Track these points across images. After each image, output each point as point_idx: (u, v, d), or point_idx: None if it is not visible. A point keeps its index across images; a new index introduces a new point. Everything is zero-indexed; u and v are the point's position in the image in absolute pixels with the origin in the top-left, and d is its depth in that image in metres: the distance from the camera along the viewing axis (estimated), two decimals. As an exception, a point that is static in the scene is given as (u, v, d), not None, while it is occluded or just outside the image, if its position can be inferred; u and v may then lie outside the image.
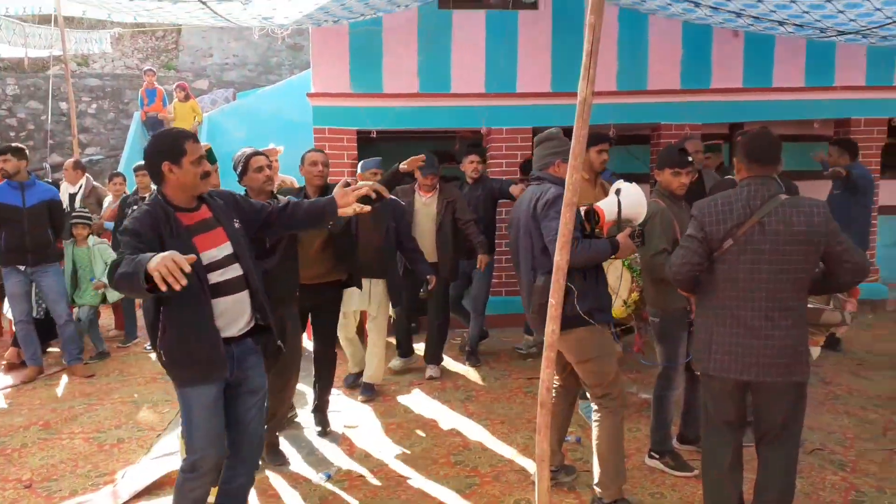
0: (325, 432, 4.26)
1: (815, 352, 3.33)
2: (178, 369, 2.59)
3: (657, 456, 3.64)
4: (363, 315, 5.21)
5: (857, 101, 7.01)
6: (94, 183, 7.59)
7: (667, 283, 3.12)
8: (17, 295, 5.47)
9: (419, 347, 5.72)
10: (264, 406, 2.91)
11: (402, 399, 4.90)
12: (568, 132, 3.02)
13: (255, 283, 2.72)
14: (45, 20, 11.91)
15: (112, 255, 5.96)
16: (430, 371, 5.36)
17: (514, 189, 5.36)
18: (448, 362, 5.69)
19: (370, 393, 4.88)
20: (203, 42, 15.36)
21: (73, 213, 6.09)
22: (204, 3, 5.59)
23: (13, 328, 5.87)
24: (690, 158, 3.71)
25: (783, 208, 2.59)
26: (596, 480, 3.15)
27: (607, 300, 3.23)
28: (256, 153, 3.69)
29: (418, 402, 4.84)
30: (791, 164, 6.82)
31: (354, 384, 5.07)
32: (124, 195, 6.75)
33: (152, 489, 3.53)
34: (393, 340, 5.58)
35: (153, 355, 6.04)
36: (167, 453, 3.93)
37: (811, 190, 5.85)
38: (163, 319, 2.53)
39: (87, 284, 5.95)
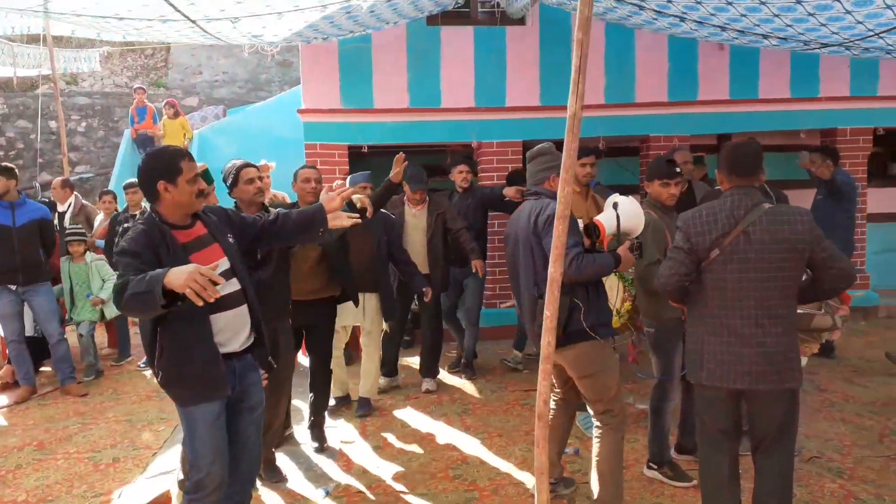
0: (322, 448, 4.25)
1: (803, 360, 3.36)
2: (178, 389, 2.56)
3: (655, 466, 3.65)
4: (354, 330, 5.21)
5: (842, 111, 7.13)
6: (83, 201, 7.57)
7: (660, 294, 3.15)
8: (8, 315, 5.44)
9: (413, 361, 5.72)
10: (262, 422, 2.91)
11: (399, 413, 4.89)
12: (558, 145, 3.07)
13: (252, 297, 2.73)
14: (33, 39, 11.91)
15: (109, 272, 5.93)
16: (427, 384, 5.36)
17: (508, 191, 5.39)
18: (444, 375, 5.69)
19: (367, 408, 4.87)
20: (192, 59, 15.40)
21: (68, 230, 6.07)
22: (194, 22, 5.62)
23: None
24: (679, 169, 3.75)
25: (767, 217, 2.63)
26: (595, 496, 3.15)
27: (609, 314, 3.25)
28: (247, 165, 3.68)
29: (415, 416, 4.83)
30: (778, 174, 6.94)
31: (337, 408, 4.89)
32: (115, 213, 6.74)
33: (149, 509, 3.51)
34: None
35: (147, 373, 6.03)
36: (163, 472, 3.91)
37: (798, 199, 5.94)
38: (160, 339, 2.50)
39: (85, 301, 5.92)
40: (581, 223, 3.16)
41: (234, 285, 2.65)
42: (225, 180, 3.72)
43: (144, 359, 6.25)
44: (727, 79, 7.03)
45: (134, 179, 6.65)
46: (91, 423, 4.86)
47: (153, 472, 3.95)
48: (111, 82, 15.54)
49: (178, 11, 5.15)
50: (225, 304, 2.58)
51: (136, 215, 6.28)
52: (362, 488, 3.72)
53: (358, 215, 3.62)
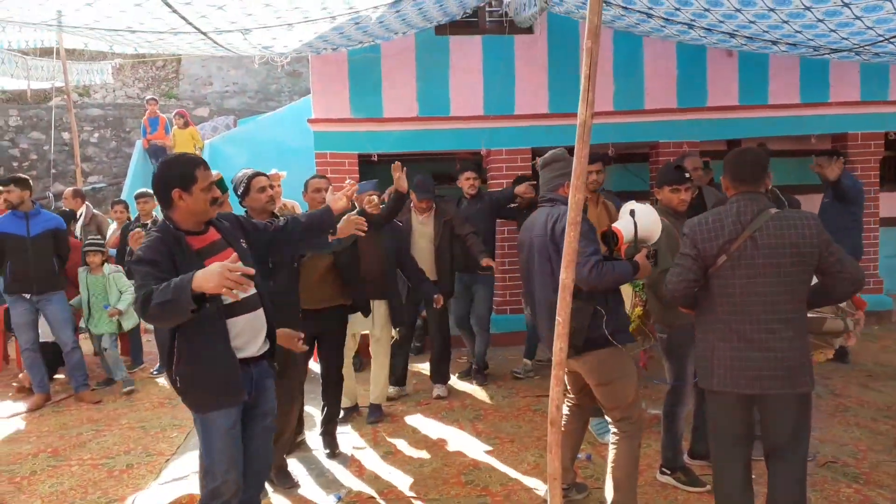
0: (333, 454, 4.26)
1: None
2: (195, 395, 2.56)
3: (669, 471, 3.64)
4: (364, 338, 5.22)
5: (852, 115, 7.11)
6: (94, 211, 7.65)
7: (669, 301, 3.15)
8: (23, 324, 5.50)
9: (424, 367, 5.73)
10: (273, 429, 2.92)
11: (410, 419, 4.90)
12: (569, 151, 3.08)
13: (267, 302, 2.74)
14: (46, 52, 12.09)
15: (126, 283, 5.90)
16: (438, 390, 5.36)
17: (520, 188, 5.41)
18: (454, 381, 5.70)
19: (378, 414, 4.88)
20: (203, 70, 15.55)
21: (87, 241, 6.07)
22: (205, 35, 5.69)
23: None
24: (688, 175, 3.75)
25: (774, 222, 2.62)
26: (609, 502, 3.14)
27: (626, 321, 3.25)
28: (258, 174, 3.72)
29: (426, 422, 4.84)
30: (789, 179, 6.92)
31: (347, 418, 4.88)
32: (126, 222, 6.80)
33: (163, 515, 3.53)
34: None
35: (160, 380, 6.07)
36: (177, 478, 3.93)
37: (810, 204, 5.94)
38: (177, 345, 2.49)
39: (101, 312, 5.87)
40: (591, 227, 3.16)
41: (249, 289, 2.64)
42: (236, 189, 3.75)
43: (157, 366, 6.31)
44: (736, 84, 7.03)
45: (145, 189, 6.73)
46: (105, 430, 4.90)
47: (167, 479, 3.97)
48: (123, 94, 15.71)
49: (190, 24, 5.23)
50: (241, 308, 2.60)
51: (147, 224, 6.34)
52: (374, 494, 3.72)
53: (366, 223, 3.67)
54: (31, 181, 5.69)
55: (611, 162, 7.05)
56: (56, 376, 6.25)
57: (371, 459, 4.21)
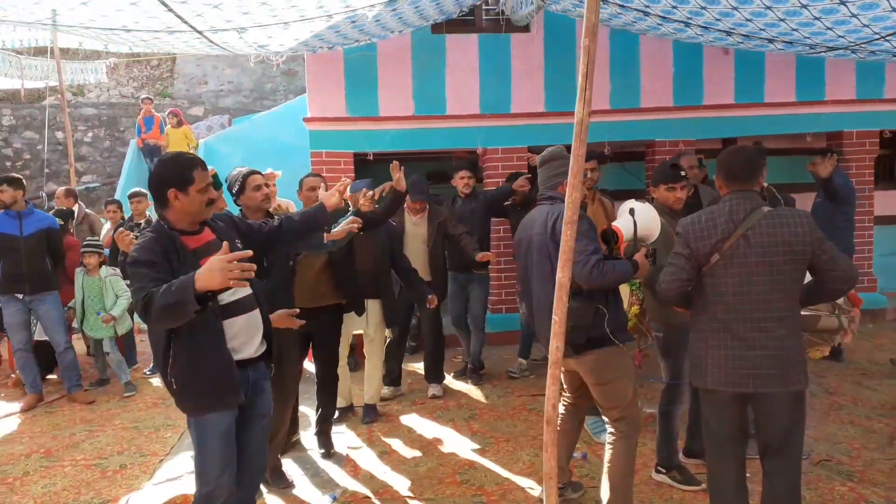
0: (328, 454, 4.24)
1: None
2: (190, 397, 2.51)
3: (664, 470, 3.63)
4: (358, 338, 5.21)
5: (848, 114, 7.12)
6: (87, 210, 7.62)
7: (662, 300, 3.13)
8: (15, 324, 5.46)
9: (419, 367, 5.71)
10: (268, 430, 2.89)
11: (405, 419, 4.88)
12: (566, 149, 3.07)
13: (263, 302, 2.72)
14: (41, 52, 12.05)
15: (123, 288, 5.80)
16: (433, 390, 5.35)
17: (518, 183, 5.38)
18: (450, 381, 5.68)
19: (373, 414, 4.87)
20: (198, 69, 15.50)
21: (84, 242, 6.00)
22: (200, 33, 5.67)
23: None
24: (684, 173, 3.74)
25: (766, 220, 2.62)
26: (605, 502, 3.12)
27: (626, 319, 3.24)
28: (253, 172, 3.70)
29: (421, 421, 4.82)
30: (784, 177, 6.93)
31: (342, 418, 4.85)
32: (120, 222, 6.77)
33: (156, 515, 3.50)
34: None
35: (153, 380, 6.04)
36: (171, 478, 3.90)
37: (805, 202, 5.93)
38: (174, 347, 2.45)
39: (96, 317, 5.77)
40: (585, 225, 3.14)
41: (245, 290, 2.62)
42: (230, 188, 3.72)
43: (151, 366, 6.28)
44: (732, 83, 7.03)
45: (138, 189, 6.70)
46: (98, 431, 4.87)
47: (160, 479, 3.94)
48: (117, 93, 15.65)
49: (186, 23, 5.20)
50: (237, 308, 2.57)
51: (140, 224, 6.30)
52: (369, 494, 3.70)
53: (361, 221, 3.67)
54: (24, 181, 5.64)
55: (607, 160, 7.04)
56: (49, 376, 6.21)
57: (366, 459, 4.19)
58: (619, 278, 3.00)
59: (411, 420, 4.86)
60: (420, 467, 4.03)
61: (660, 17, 5.30)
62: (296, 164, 6.98)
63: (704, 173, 6.01)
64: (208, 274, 2.17)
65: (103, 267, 5.87)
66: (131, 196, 6.58)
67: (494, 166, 6.84)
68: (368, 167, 7.13)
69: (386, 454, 4.26)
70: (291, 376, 3.92)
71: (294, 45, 6.24)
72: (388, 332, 5.14)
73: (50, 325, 5.53)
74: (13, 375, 5.96)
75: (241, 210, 3.70)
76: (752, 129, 7.04)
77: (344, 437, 4.55)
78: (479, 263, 5.36)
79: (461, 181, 5.65)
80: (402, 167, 4.54)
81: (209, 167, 2.70)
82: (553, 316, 2.82)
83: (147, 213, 6.57)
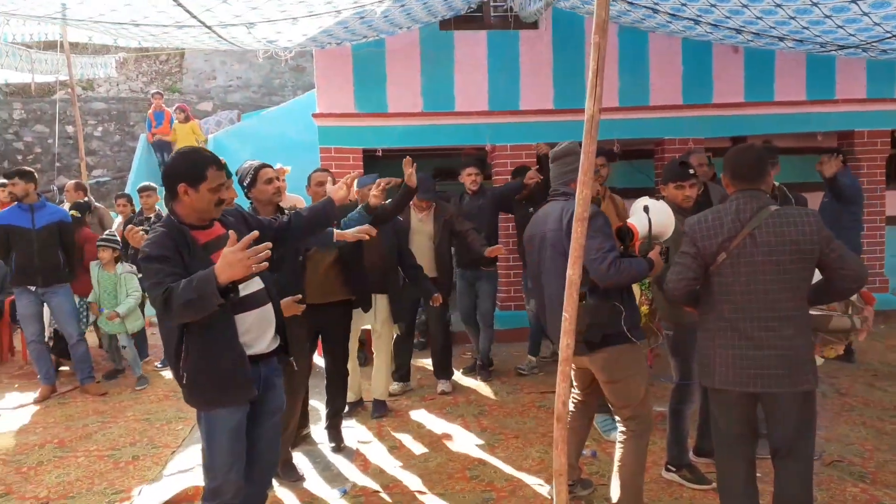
0: (339, 448, 4.27)
1: (818, 360, 3.33)
2: (201, 391, 2.51)
3: (674, 469, 3.64)
4: (366, 334, 5.23)
5: (859, 113, 7.09)
6: (97, 204, 7.66)
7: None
8: (28, 315, 5.51)
9: (428, 363, 5.74)
10: (280, 426, 2.89)
11: (415, 414, 4.91)
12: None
13: (275, 296, 2.72)
14: (51, 46, 12.09)
15: (135, 286, 5.78)
16: (442, 386, 5.37)
17: (529, 177, 5.36)
18: (459, 377, 5.70)
19: (383, 409, 4.89)
20: (207, 65, 15.53)
21: (101, 237, 6.00)
22: (209, 28, 5.69)
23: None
24: (693, 171, 3.73)
25: (773, 219, 2.62)
26: (615, 500, 3.13)
27: (639, 317, 3.24)
28: (264, 165, 3.69)
29: (430, 417, 4.85)
30: (794, 177, 6.90)
31: (352, 413, 4.90)
32: (130, 215, 6.82)
33: (169, 507, 3.54)
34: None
35: (165, 373, 6.08)
36: (182, 470, 3.95)
37: (816, 202, 5.93)
38: (186, 341, 2.46)
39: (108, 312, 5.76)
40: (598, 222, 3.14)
41: (257, 284, 2.63)
42: (241, 181, 3.71)
43: (162, 359, 6.32)
44: (742, 81, 7.01)
45: (148, 183, 6.75)
46: (110, 422, 4.92)
47: (172, 471, 3.98)
48: (126, 87, 15.70)
49: (195, 17, 5.22)
50: (249, 303, 2.57)
51: (150, 218, 6.34)
52: (379, 488, 3.73)
53: (374, 230, 3.73)
54: (35, 174, 5.68)
55: (616, 158, 7.03)
56: (61, 368, 6.26)
57: (376, 454, 4.22)
58: (636, 276, 2.99)
59: (421, 415, 4.89)
60: (430, 462, 4.05)
61: (669, 14, 5.29)
62: (304, 159, 7.00)
63: (712, 172, 6.01)
64: (228, 268, 2.18)
65: (119, 263, 5.87)
66: (141, 190, 6.62)
67: (503, 163, 6.85)
68: (377, 163, 7.15)
69: (395, 449, 4.28)
70: (301, 370, 3.94)
71: (302, 40, 6.26)
72: (395, 329, 5.16)
73: (62, 318, 5.58)
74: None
75: (251, 204, 3.71)
76: (762, 127, 7.02)
77: (354, 431, 4.59)
78: (486, 260, 5.37)
79: (468, 178, 5.64)
80: (415, 164, 4.55)
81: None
82: (563, 313, 2.82)
83: (157, 207, 6.61)
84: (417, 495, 3.63)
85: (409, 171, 4.37)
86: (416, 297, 5.41)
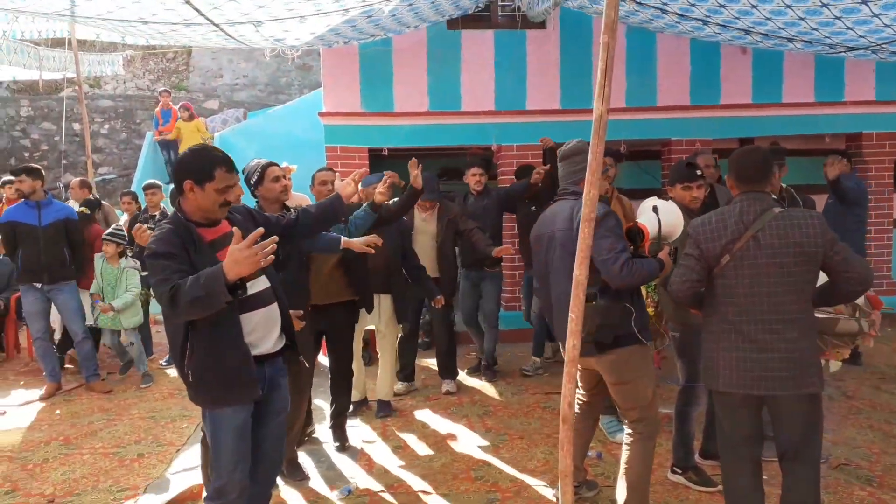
0: (343, 447, 4.27)
1: (835, 366, 3.31)
2: (207, 390, 2.51)
3: (680, 471, 3.63)
4: (371, 334, 5.23)
5: (867, 115, 7.04)
6: (102, 201, 7.67)
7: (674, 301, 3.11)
8: (34, 313, 5.52)
9: (433, 362, 5.73)
10: (284, 426, 2.89)
11: (419, 414, 4.91)
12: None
13: (282, 295, 2.72)
14: (58, 43, 12.09)
15: (135, 283, 5.78)
16: (447, 386, 5.36)
17: (538, 175, 5.31)
18: (463, 377, 5.70)
19: (387, 409, 4.89)
20: (213, 63, 15.57)
21: (107, 231, 5.99)
22: (217, 26, 5.69)
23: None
24: (700, 172, 3.71)
25: (777, 221, 2.60)
26: (621, 502, 3.11)
27: (648, 318, 3.22)
28: (272, 163, 3.70)
29: (435, 417, 4.84)
30: (802, 179, 6.86)
31: (356, 412, 4.88)
32: (136, 213, 6.83)
33: (173, 504, 3.55)
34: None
35: (170, 371, 6.09)
36: (187, 468, 3.95)
37: (824, 204, 5.89)
38: (191, 340, 2.45)
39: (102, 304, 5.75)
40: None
41: (263, 283, 2.62)
42: (248, 179, 3.72)
43: (167, 357, 6.33)
44: (750, 82, 6.98)
45: (153, 181, 6.77)
46: (116, 420, 4.93)
47: (177, 469, 3.99)
48: (133, 85, 15.75)
49: (203, 15, 5.23)
50: (255, 302, 2.57)
51: (155, 216, 6.35)
52: (384, 488, 3.72)
53: (376, 237, 3.73)
54: (42, 171, 5.70)
55: (622, 159, 7.01)
56: (66, 366, 6.28)
57: (381, 454, 4.21)
58: (648, 277, 2.97)
59: (425, 415, 4.88)
60: (434, 463, 4.05)
61: (677, 14, 5.27)
62: (310, 158, 7.00)
63: (718, 173, 5.99)
64: (235, 265, 2.18)
65: (123, 258, 5.86)
66: (146, 188, 6.63)
67: (509, 163, 6.83)
68: (382, 163, 7.14)
69: (400, 449, 4.28)
70: (306, 370, 3.94)
71: (310, 38, 6.27)
72: (399, 330, 5.16)
73: (68, 315, 5.59)
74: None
75: (257, 202, 3.71)
76: (770, 129, 6.98)
77: (359, 430, 4.58)
78: (491, 261, 5.37)
79: (473, 178, 5.62)
80: (420, 165, 4.54)
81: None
82: (570, 313, 2.81)
83: (162, 204, 6.62)
84: (422, 495, 3.63)
85: (415, 173, 4.36)
86: (421, 298, 5.40)
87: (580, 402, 3.40)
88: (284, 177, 3.76)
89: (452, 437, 4.45)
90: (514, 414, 4.84)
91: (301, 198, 5.61)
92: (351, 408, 4.70)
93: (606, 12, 2.68)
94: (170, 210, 6.30)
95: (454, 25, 6.78)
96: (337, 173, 4.51)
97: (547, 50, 6.83)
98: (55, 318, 5.81)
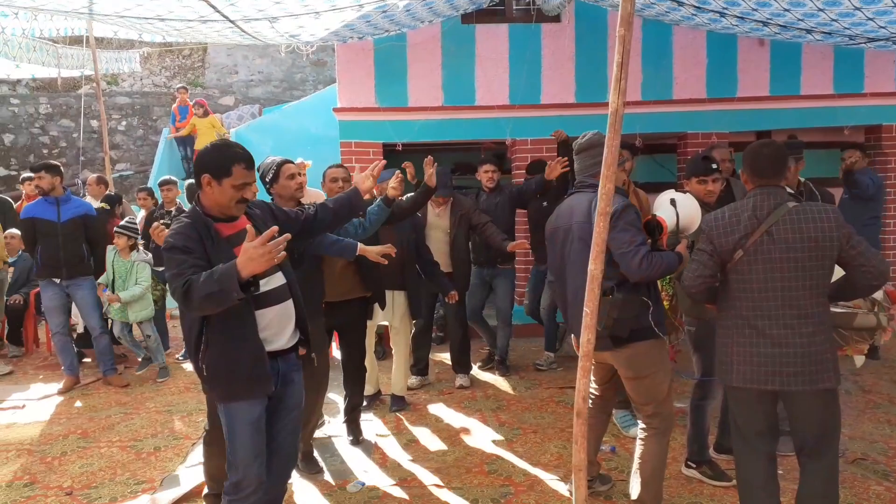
0: (357, 441, 4.29)
1: (860, 360, 3.26)
2: (221, 384, 2.53)
3: (694, 465, 3.61)
4: (384, 329, 5.24)
5: (887, 107, 6.93)
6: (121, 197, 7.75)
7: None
8: (53, 308, 5.59)
9: (446, 357, 5.74)
10: (300, 422, 2.89)
11: (433, 409, 4.92)
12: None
13: (297, 292, 2.72)
14: (76, 41, 12.22)
15: (145, 277, 5.82)
16: (460, 380, 5.37)
17: (553, 171, 5.21)
18: (476, 372, 5.70)
19: (401, 404, 4.90)
20: (229, 59, 15.65)
21: (120, 224, 6.03)
22: (233, 23, 5.72)
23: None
24: (716, 166, 3.67)
25: (791, 216, 2.58)
26: (635, 497, 3.10)
27: (664, 311, 3.20)
28: (287, 161, 3.71)
29: (448, 411, 4.85)
30: (821, 172, 6.77)
31: (369, 406, 4.90)
32: (152, 209, 6.90)
33: (189, 497, 3.58)
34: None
35: (185, 365, 6.15)
36: (202, 462, 3.97)
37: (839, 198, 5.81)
38: (206, 334, 2.47)
39: (109, 294, 5.76)
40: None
41: (279, 280, 2.63)
42: (263, 177, 3.73)
43: (183, 351, 6.39)
44: (767, 74, 6.89)
45: (169, 177, 6.82)
46: (133, 413, 4.98)
47: (193, 462, 4.03)
48: (150, 82, 15.88)
49: (219, 12, 5.25)
50: (270, 299, 2.57)
51: (171, 212, 6.40)
52: (397, 482, 3.74)
53: (391, 246, 3.75)
54: (61, 168, 5.76)
55: (638, 152, 6.96)
56: (84, 360, 6.35)
57: (394, 447, 4.23)
58: (667, 270, 2.93)
59: (439, 409, 4.89)
60: (447, 456, 4.05)
61: (694, 7, 5.21)
62: (325, 154, 7.03)
63: (733, 167, 5.93)
64: (249, 262, 2.19)
65: (135, 251, 5.91)
66: (162, 184, 6.68)
67: (523, 157, 6.80)
68: (397, 158, 7.15)
69: (413, 443, 4.29)
70: (322, 366, 3.95)
71: (325, 34, 6.27)
72: (413, 325, 5.16)
73: (86, 310, 5.65)
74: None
75: (272, 199, 3.73)
76: (788, 121, 6.89)
77: (372, 424, 4.60)
78: (504, 257, 5.35)
79: (485, 174, 5.60)
80: (436, 163, 4.54)
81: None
82: (584, 308, 2.80)
83: (177, 200, 6.67)
84: (435, 489, 3.63)
85: (430, 172, 4.36)
86: (435, 292, 5.41)
87: (593, 396, 3.39)
88: (300, 174, 3.77)
89: (466, 431, 4.46)
90: (527, 408, 4.84)
91: (316, 194, 5.62)
92: (364, 402, 4.72)
93: (623, 5, 2.66)
94: (186, 206, 6.35)
95: (468, 20, 6.76)
96: (357, 167, 4.50)
97: (562, 44, 6.79)
98: (76, 313, 5.88)
